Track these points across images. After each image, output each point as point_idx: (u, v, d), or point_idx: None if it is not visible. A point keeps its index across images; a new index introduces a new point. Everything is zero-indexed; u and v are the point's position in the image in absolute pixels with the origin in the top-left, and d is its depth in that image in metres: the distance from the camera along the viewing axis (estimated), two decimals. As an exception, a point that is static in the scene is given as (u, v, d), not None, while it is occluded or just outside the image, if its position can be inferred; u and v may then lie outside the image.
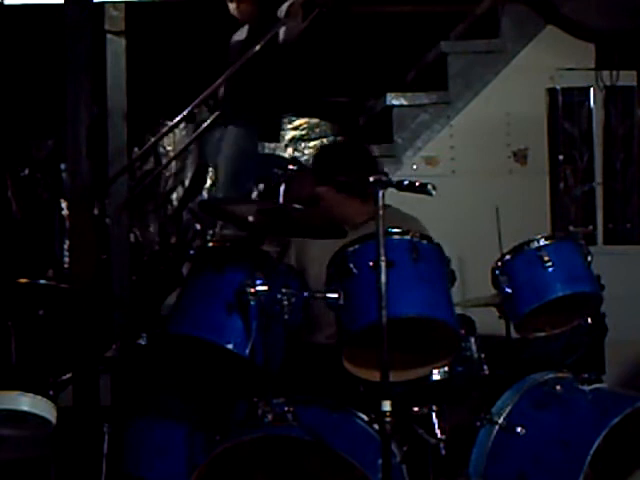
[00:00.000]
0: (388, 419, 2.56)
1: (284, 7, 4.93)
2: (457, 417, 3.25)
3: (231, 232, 4.79)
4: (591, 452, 2.91)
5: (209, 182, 5.44)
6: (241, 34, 5.13)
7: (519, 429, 3.11)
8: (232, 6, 5.06)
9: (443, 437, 3.11)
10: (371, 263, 2.74)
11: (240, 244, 3.00)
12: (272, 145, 6.47)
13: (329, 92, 6.42)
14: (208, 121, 5.36)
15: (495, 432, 3.16)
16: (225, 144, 5.06)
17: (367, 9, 5.86)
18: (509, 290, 3.26)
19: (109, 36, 5.56)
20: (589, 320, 3.53)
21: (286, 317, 2.79)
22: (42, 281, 2.93)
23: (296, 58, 5.19)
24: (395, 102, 4.71)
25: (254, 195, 5.14)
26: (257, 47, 4.91)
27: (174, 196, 6.55)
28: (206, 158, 5.54)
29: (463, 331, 3.12)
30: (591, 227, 4.65)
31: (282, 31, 4.94)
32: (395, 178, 2.69)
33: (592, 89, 4.76)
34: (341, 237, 3.03)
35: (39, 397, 2.72)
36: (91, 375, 3.92)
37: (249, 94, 4.98)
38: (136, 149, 6.26)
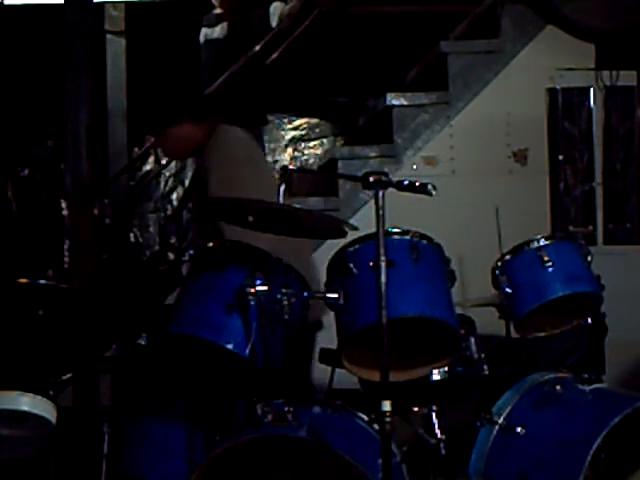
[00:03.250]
0: (388, 419, 2.56)
1: (276, 15, 4.91)
2: (457, 417, 3.25)
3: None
4: (591, 452, 2.91)
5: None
6: (213, 32, 5.10)
7: (519, 429, 3.11)
8: None
9: (443, 437, 3.11)
10: (371, 263, 2.74)
11: (240, 244, 3.00)
12: (272, 145, 6.47)
13: (329, 92, 6.43)
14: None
15: (495, 432, 3.16)
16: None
17: (367, 9, 5.86)
18: (509, 290, 3.26)
19: (109, 36, 5.57)
20: (589, 320, 3.53)
21: (286, 317, 2.79)
22: (42, 281, 2.93)
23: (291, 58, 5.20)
24: (395, 102, 4.71)
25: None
26: (257, 47, 4.91)
27: (174, 196, 6.55)
28: None
29: (463, 331, 3.12)
30: (591, 227, 4.64)
31: (275, 17, 4.93)
32: (395, 178, 2.68)
33: (592, 89, 4.76)
34: (341, 237, 3.03)
35: (39, 397, 2.72)
36: (91, 375, 3.92)
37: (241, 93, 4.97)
38: (136, 149, 6.27)
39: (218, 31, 5.05)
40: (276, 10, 4.96)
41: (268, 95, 5.23)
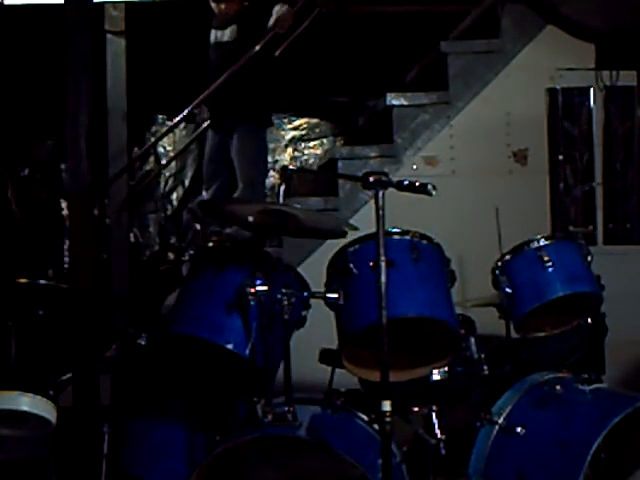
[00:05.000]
0: (388, 419, 2.55)
1: (273, 17, 4.89)
2: (457, 417, 3.25)
3: (233, 231, 4.79)
4: (591, 452, 2.91)
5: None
6: (223, 35, 5.10)
7: (519, 429, 3.11)
8: (216, 6, 5.05)
9: (443, 437, 3.11)
10: (371, 263, 2.74)
11: (240, 244, 3.00)
12: (272, 145, 6.48)
13: (329, 92, 6.43)
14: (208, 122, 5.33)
15: (495, 432, 3.16)
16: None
17: (367, 9, 5.86)
18: (509, 290, 3.26)
19: (109, 36, 5.56)
20: (589, 320, 3.53)
21: (286, 317, 2.80)
22: (42, 281, 2.93)
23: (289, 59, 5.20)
24: (395, 102, 4.71)
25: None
26: (257, 47, 4.91)
27: (174, 196, 6.55)
28: None
29: (463, 331, 3.12)
30: (591, 227, 4.64)
31: (272, 20, 4.91)
32: (395, 178, 2.69)
33: (592, 89, 4.76)
34: (341, 237, 3.03)
35: (39, 397, 2.72)
36: (91, 375, 3.91)
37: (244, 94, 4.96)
38: (136, 149, 6.27)
39: (228, 34, 5.05)
40: (275, 13, 4.96)
41: (274, 97, 5.23)
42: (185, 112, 5.13)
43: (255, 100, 4.96)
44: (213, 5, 5.05)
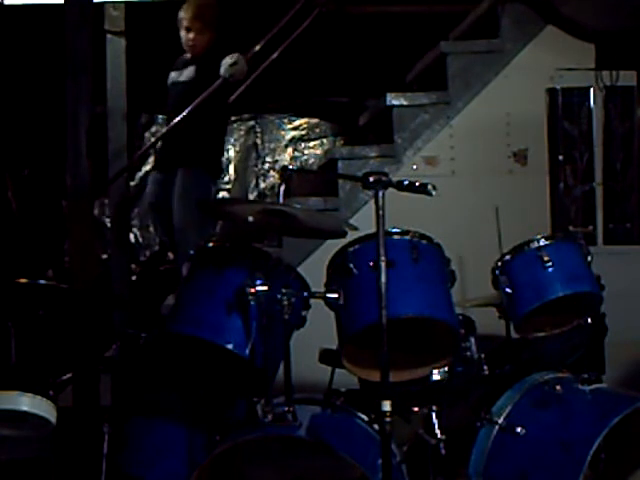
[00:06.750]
0: (388, 419, 2.55)
1: (226, 64, 4.82)
2: (457, 417, 3.25)
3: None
4: (591, 452, 2.91)
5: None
6: (180, 75, 5.06)
7: (519, 429, 3.11)
8: (185, 35, 5.00)
9: (443, 437, 3.11)
10: (371, 263, 2.74)
11: (239, 244, 3.00)
12: (272, 145, 6.48)
13: (329, 92, 6.43)
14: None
15: (495, 432, 3.16)
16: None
17: (367, 9, 5.86)
18: (509, 290, 3.26)
19: (109, 36, 5.55)
20: (589, 320, 3.53)
21: (286, 317, 2.80)
22: (42, 281, 2.93)
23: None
24: (395, 102, 4.71)
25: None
26: (257, 47, 4.90)
27: (174, 196, 6.55)
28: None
29: (463, 331, 3.12)
30: (591, 227, 4.64)
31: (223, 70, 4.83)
32: (395, 178, 2.69)
33: (592, 89, 4.76)
34: (341, 237, 3.03)
35: (39, 397, 2.72)
36: (91, 375, 3.91)
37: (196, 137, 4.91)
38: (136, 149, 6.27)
39: (186, 74, 5.02)
40: (229, 66, 4.85)
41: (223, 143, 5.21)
42: (185, 112, 5.13)
43: (204, 144, 4.91)
44: (182, 34, 5.00)
